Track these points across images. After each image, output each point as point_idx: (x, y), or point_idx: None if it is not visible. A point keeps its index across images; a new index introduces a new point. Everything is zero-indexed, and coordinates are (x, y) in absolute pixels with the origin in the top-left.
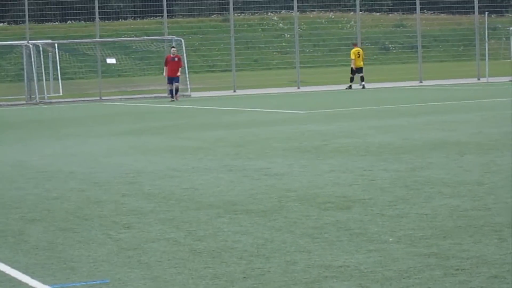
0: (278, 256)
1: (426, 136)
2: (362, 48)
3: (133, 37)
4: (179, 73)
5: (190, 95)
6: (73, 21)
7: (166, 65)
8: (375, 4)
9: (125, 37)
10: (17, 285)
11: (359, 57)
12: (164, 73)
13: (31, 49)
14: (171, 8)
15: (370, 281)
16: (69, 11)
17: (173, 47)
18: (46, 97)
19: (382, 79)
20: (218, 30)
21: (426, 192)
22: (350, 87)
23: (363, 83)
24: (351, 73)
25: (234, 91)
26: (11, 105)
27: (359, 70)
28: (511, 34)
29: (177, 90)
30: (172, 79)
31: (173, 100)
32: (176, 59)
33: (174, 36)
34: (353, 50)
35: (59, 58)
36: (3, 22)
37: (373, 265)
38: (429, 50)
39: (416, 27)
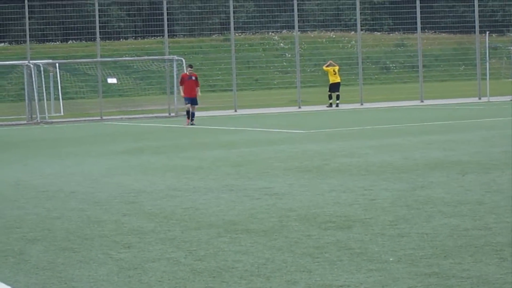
0: (279, 276)
1: (427, 156)
2: (363, 67)
3: (134, 56)
4: (199, 93)
5: None
6: (74, 41)
7: (181, 84)
8: (376, 24)
9: (126, 56)
10: None
11: (335, 74)
12: (182, 93)
13: (32, 69)
14: (172, 28)
15: None
16: (70, 31)
17: (190, 66)
18: (47, 117)
19: (382, 99)
20: (219, 50)
21: (427, 212)
22: (331, 105)
23: (338, 101)
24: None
25: (235, 111)
26: (12, 124)
27: (336, 87)
28: None
29: (193, 114)
30: (190, 100)
31: (193, 124)
32: (193, 77)
33: (175, 56)
34: (330, 68)
35: (60, 78)
36: (4, 42)
37: (374, 284)
38: (430, 69)
39: (417, 47)
